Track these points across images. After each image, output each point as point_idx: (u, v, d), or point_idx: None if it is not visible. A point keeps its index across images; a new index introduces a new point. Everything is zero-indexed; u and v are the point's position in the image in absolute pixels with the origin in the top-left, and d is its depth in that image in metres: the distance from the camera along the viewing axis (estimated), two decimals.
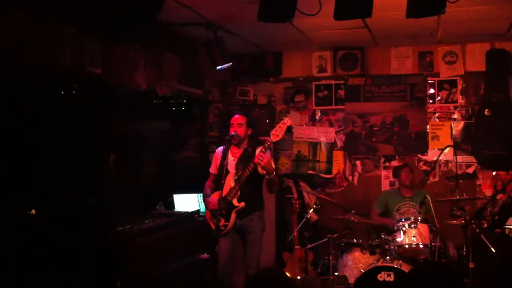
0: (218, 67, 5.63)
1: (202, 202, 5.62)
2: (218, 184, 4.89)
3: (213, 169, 5.17)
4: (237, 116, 5.00)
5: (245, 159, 4.92)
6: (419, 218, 5.24)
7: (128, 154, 5.76)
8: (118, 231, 4.81)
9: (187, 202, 6.24)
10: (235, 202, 4.84)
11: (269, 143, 4.73)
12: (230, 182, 4.87)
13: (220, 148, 5.13)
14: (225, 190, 4.81)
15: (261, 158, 4.61)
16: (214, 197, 4.92)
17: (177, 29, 5.66)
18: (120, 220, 4.95)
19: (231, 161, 4.94)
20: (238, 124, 4.93)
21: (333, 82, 7.08)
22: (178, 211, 6.07)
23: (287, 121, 4.76)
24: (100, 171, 5.26)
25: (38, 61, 4.26)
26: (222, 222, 4.82)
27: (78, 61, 4.59)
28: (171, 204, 6.19)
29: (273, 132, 4.73)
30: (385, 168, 6.78)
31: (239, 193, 4.84)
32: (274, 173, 4.83)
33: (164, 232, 5.23)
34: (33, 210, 4.35)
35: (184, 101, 6.74)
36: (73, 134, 4.85)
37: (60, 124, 4.73)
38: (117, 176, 5.51)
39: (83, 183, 4.86)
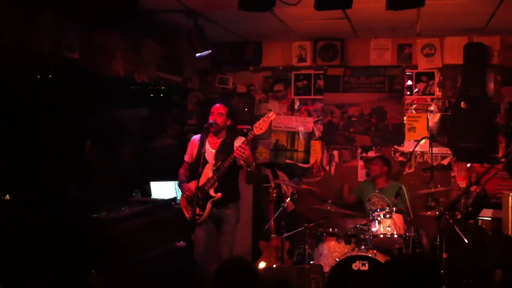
0: (197, 55, 5.60)
1: (179, 189, 5.60)
2: (193, 172, 4.89)
3: (188, 157, 5.14)
4: (218, 105, 4.97)
5: (224, 150, 4.92)
6: (394, 208, 5.30)
7: (105, 140, 5.70)
8: (93, 218, 4.78)
9: (164, 190, 6.22)
10: (211, 192, 4.84)
11: (251, 136, 4.73)
12: (208, 172, 4.85)
13: (196, 136, 5.10)
14: (202, 180, 4.78)
15: (243, 151, 4.62)
16: (191, 185, 4.90)
17: (157, 16, 5.60)
18: (96, 207, 4.92)
19: (209, 151, 4.93)
20: (218, 113, 4.91)
21: (312, 72, 7.10)
22: (154, 198, 6.04)
23: (271, 115, 4.77)
24: (75, 157, 5.20)
25: (15, 45, 4.18)
26: (198, 211, 4.79)
27: (55, 46, 4.51)
28: (147, 192, 6.16)
29: (256, 125, 4.74)
30: (362, 158, 6.83)
31: (216, 183, 4.84)
32: (254, 165, 4.84)
33: (140, 219, 5.20)
34: (7, 196, 4.30)
35: (163, 88, 6.69)
36: (50, 119, 4.80)
37: (36, 110, 4.66)
38: (93, 162, 5.46)
39: (59, 169, 4.81)
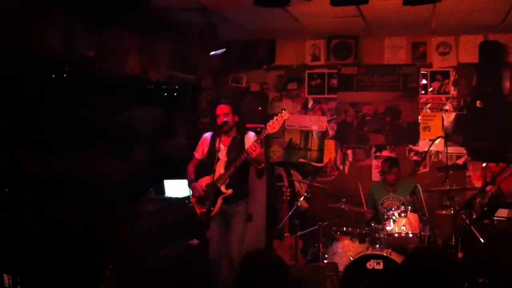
0: (211, 53, 5.61)
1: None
2: (203, 169, 5.01)
3: (198, 154, 5.21)
4: (221, 105, 5.00)
5: (236, 146, 4.99)
6: (409, 207, 5.26)
7: (119, 139, 5.72)
8: (108, 217, 4.82)
9: (177, 188, 6.23)
10: (223, 188, 4.91)
11: (264, 135, 4.76)
12: (220, 168, 4.91)
13: (208, 134, 5.21)
14: (214, 177, 4.80)
15: (254, 149, 4.66)
16: (201, 182, 5.00)
17: (171, 14, 5.61)
18: (111, 206, 4.95)
19: (222, 148, 4.95)
20: (224, 114, 4.94)
21: (326, 71, 7.07)
22: (168, 197, 6.05)
23: (285, 114, 4.80)
24: (90, 156, 5.23)
25: (29, 43, 4.21)
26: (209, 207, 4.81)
27: (70, 44, 4.54)
28: (161, 190, 6.17)
29: (269, 123, 4.77)
30: (376, 157, 6.79)
31: (228, 180, 4.90)
32: (264, 164, 4.87)
33: (154, 218, 5.24)
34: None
35: (176, 87, 6.70)
36: (64, 118, 4.82)
37: (51, 108, 4.68)
38: (108, 162, 5.48)
39: (70, 168, 4.84)
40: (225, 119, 4.90)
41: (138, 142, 6.24)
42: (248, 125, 5.68)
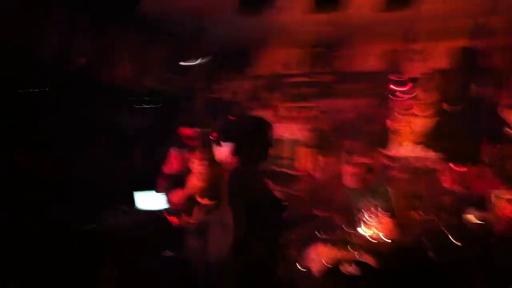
0: (196, 60, 5.67)
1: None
2: (175, 183, 5.08)
3: (168, 169, 5.21)
4: (188, 129, 5.11)
5: (210, 157, 4.99)
6: (381, 211, 5.31)
7: (113, 146, 5.71)
8: (90, 228, 4.82)
9: (150, 200, 6.18)
10: (200, 199, 4.94)
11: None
12: (195, 180, 4.98)
13: (177, 147, 5.30)
14: (190, 189, 4.95)
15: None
16: (175, 196, 5.06)
17: (163, 20, 5.65)
18: (93, 216, 4.94)
19: (195, 161, 5.03)
20: (187, 137, 5.01)
21: (300, 79, 7.14)
22: (148, 209, 6.02)
23: None
24: (77, 164, 5.22)
25: (23, 47, 4.21)
26: (187, 218, 4.95)
27: (64, 50, 4.55)
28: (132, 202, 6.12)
29: None
30: (349, 163, 6.82)
31: (205, 191, 4.93)
32: None
33: (135, 229, 5.22)
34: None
35: (169, 92, 6.68)
36: (57, 122, 4.80)
37: (43, 113, 4.67)
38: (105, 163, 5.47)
39: (62, 175, 4.83)
40: (197, 132, 5.00)
41: (133, 148, 6.22)
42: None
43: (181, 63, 5.63)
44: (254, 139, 3.35)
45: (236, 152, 3.42)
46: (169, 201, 5.09)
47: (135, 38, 5.44)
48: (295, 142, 7.11)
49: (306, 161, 7.05)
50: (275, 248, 3.47)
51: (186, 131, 5.05)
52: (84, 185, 5.31)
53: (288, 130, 7.14)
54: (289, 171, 7.08)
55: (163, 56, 6.04)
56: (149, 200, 6.14)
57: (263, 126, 3.53)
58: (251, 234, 3.30)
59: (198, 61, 5.69)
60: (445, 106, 6.46)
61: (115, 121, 5.84)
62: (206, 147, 5.12)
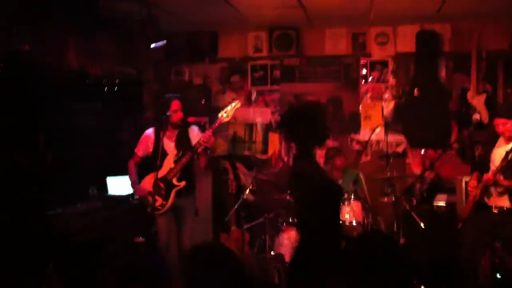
0: (152, 46, 5.53)
1: None
2: (148, 166, 4.99)
3: (140, 151, 5.14)
4: (176, 101, 5.00)
5: (183, 140, 5.02)
6: (352, 196, 5.36)
7: (60, 136, 5.55)
8: (50, 214, 4.71)
9: (121, 185, 6.10)
10: (175, 181, 4.93)
11: (218, 124, 4.86)
12: (169, 163, 4.93)
13: (150, 131, 5.17)
14: (164, 171, 4.88)
15: (209, 138, 4.78)
16: (147, 179, 4.97)
17: (111, 6, 5.47)
18: (53, 203, 4.82)
19: (168, 142, 4.98)
20: (174, 110, 4.94)
21: (268, 62, 7.09)
22: (112, 194, 5.92)
23: (237, 103, 4.95)
24: (30, 153, 5.08)
25: None
26: (160, 201, 4.90)
27: (4, 37, 4.37)
28: (104, 187, 6.03)
29: (223, 113, 4.87)
30: (319, 148, 6.85)
31: (179, 173, 4.91)
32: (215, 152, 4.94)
33: (97, 215, 5.13)
34: None
35: (117, 81, 6.54)
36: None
37: None
38: (49, 159, 5.33)
39: (13, 169, 4.70)
40: (170, 113, 4.91)
41: (80, 138, 6.09)
42: (190, 119, 5.65)
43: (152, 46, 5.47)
44: (313, 125, 3.42)
45: (295, 138, 3.49)
46: (137, 191, 5.02)
47: (80, 25, 5.24)
48: (267, 127, 7.07)
49: (277, 146, 7.03)
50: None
51: (178, 103, 4.97)
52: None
53: (259, 115, 7.09)
54: (260, 156, 7.05)
55: (110, 44, 5.87)
56: (121, 185, 6.06)
57: (320, 111, 3.71)
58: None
59: (154, 46, 5.55)
60: (414, 91, 6.51)
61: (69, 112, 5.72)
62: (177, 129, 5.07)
